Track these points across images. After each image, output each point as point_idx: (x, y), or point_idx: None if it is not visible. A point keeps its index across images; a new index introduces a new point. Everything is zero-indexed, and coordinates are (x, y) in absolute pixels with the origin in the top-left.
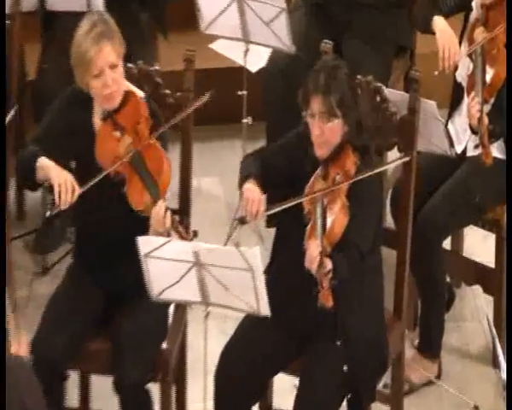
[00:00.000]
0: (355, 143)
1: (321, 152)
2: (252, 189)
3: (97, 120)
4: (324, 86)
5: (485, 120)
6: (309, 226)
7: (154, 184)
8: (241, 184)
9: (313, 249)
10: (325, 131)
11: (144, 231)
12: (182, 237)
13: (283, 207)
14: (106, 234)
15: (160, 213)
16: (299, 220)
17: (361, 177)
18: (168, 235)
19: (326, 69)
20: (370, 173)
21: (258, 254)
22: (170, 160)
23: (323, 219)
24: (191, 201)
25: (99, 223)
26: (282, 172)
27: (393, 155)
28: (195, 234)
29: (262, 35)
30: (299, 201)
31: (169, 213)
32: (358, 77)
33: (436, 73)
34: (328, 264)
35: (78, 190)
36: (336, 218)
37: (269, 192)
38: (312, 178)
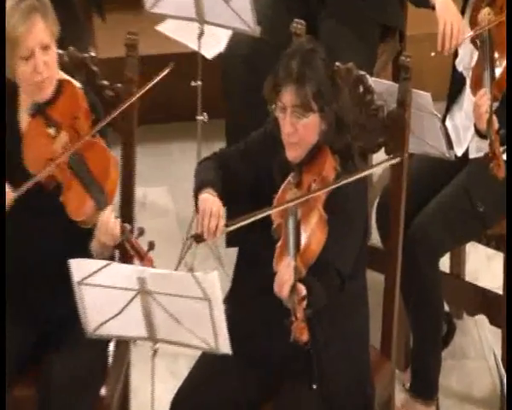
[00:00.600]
0: (334, 143)
1: (293, 155)
2: (209, 200)
3: (24, 116)
4: (298, 74)
5: (495, 124)
6: (279, 244)
7: (99, 190)
8: (196, 194)
9: (284, 272)
10: (298, 129)
11: (83, 250)
12: (136, 250)
13: (248, 221)
14: (35, 256)
15: (108, 222)
16: (267, 237)
17: (341, 183)
18: (119, 248)
19: (299, 54)
20: (352, 179)
21: (216, 280)
22: (117, 158)
23: (297, 235)
24: (134, 215)
25: (27, 242)
26: (245, 180)
27: (380, 157)
28: (151, 246)
29: (220, 14)
30: (267, 213)
31: (119, 221)
32: (337, 64)
33: (433, 54)
34: (303, 289)
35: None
36: (312, 234)
37: (230, 205)
38: (283, 187)
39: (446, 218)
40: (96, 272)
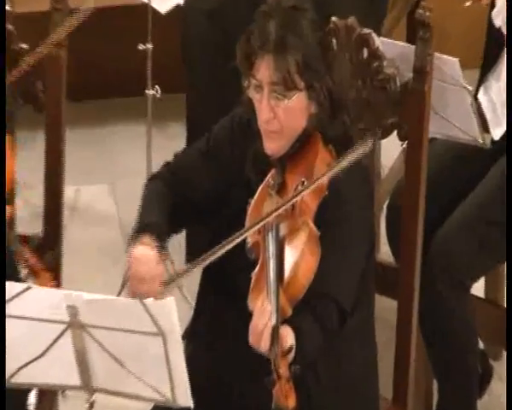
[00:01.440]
0: (328, 130)
1: (273, 147)
2: (139, 259)
3: None
4: (276, 41)
5: None
6: (255, 271)
7: None
8: (132, 242)
9: (261, 316)
10: (279, 114)
11: None
12: (29, 267)
13: (204, 264)
14: None
15: None
16: (240, 257)
17: (330, 174)
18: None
19: (279, 13)
20: (335, 170)
21: (173, 309)
22: (16, 146)
23: (279, 260)
24: (62, 222)
25: None
26: (212, 190)
27: (392, 145)
28: (50, 258)
29: None
30: (236, 242)
31: (14, 233)
32: (333, 19)
33: (468, 3)
34: (288, 338)
35: None
36: (300, 258)
37: (195, 223)
38: (259, 190)
39: (477, 232)
40: (11, 299)
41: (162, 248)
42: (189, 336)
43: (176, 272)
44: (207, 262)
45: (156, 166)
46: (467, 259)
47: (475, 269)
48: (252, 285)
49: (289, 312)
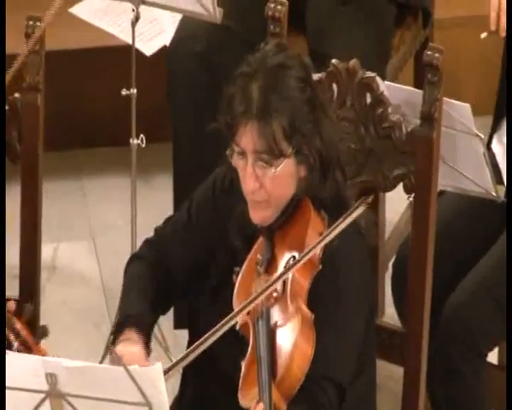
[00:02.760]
0: (319, 194)
1: (259, 217)
2: (126, 357)
3: None
4: (260, 106)
5: None
6: (246, 360)
7: None
8: (115, 336)
9: None
10: (266, 184)
11: None
12: (20, 341)
13: (194, 354)
14: None
15: None
16: (226, 333)
17: (322, 243)
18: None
19: (262, 73)
20: (327, 240)
21: (160, 377)
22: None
23: (271, 352)
24: (39, 282)
25: None
26: (192, 264)
27: (397, 198)
28: (44, 332)
29: None
30: (223, 329)
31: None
32: (333, 62)
33: (484, 35)
34: None
35: None
36: (295, 349)
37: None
38: (246, 265)
39: (493, 296)
40: None
41: (147, 340)
42: (179, 406)
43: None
44: (198, 352)
45: (140, 221)
46: (483, 326)
47: (492, 336)
48: (242, 378)
49: (284, 408)
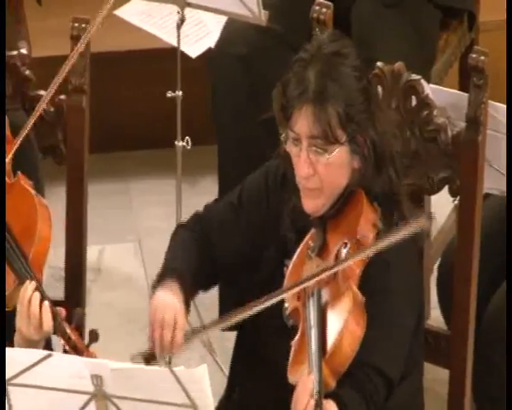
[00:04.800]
0: (372, 186)
1: (312, 205)
2: (162, 303)
3: None
4: (316, 90)
5: None
6: (295, 340)
7: (20, 256)
8: (155, 286)
9: (303, 386)
10: (319, 170)
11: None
12: (71, 346)
13: (227, 323)
14: None
15: (31, 303)
16: (278, 324)
17: (378, 246)
18: (47, 345)
19: (318, 60)
20: (384, 244)
21: (205, 378)
22: (49, 210)
23: (321, 329)
24: (85, 285)
25: None
26: (243, 246)
27: (442, 201)
28: (94, 336)
29: None
30: (271, 302)
31: (46, 303)
32: (378, 64)
33: None
34: None
35: None
36: (345, 327)
37: (223, 280)
38: (298, 252)
39: None
40: (30, 367)
41: (186, 297)
42: (224, 406)
43: (202, 325)
44: (237, 320)
45: None
46: None
47: None
48: (292, 356)
49: (333, 385)
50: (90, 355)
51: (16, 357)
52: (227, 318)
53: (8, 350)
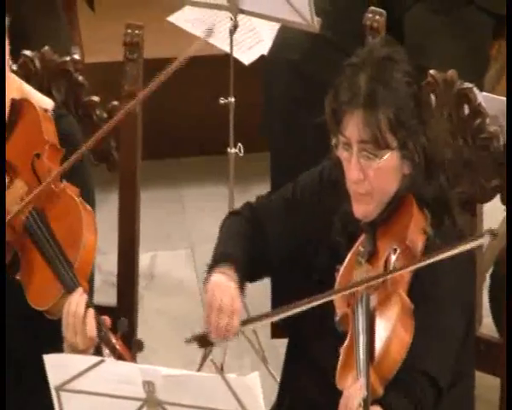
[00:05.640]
0: (423, 193)
1: (363, 210)
2: (219, 287)
3: None
4: (367, 95)
5: None
6: (344, 346)
7: (65, 264)
8: (210, 270)
9: (351, 392)
10: (369, 175)
11: (55, 345)
12: (116, 355)
13: (285, 315)
14: None
15: (76, 312)
16: (329, 330)
17: (433, 259)
18: (97, 353)
19: (370, 64)
20: (442, 256)
21: (257, 385)
22: (94, 217)
23: (369, 335)
24: (137, 291)
25: None
26: (293, 244)
27: (495, 209)
28: (139, 346)
29: (263, 2)
30: (321, 302)
31: (92, 312)
32: (431, 72)
33: None
34: None
35: None
36: (393, 333)
37: (272, 276)
38: (348, 257)
39: None
40: (82, 373)
41: (241, 283)
42: None
43: (257, 315)
44: (289, 313)
45: None
46: None
47: None
48: (340, 362)
49: (380, 391)
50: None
51: (69, 363)
52: (280, 310)
53: (61, 356)
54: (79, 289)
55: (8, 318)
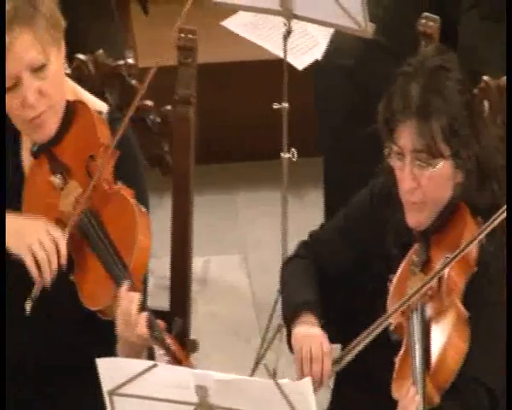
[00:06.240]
0: (476, 202)
1: (416, 219)
2: (307, 338)
3: (26, 155)
4: (420, 104)
5: None
6: (399, 356)
7: (119, 264)
8: (289, 322)
9: (407, 402)
10: (423, 184)
11: (109, 346)
12: (171, 355)
13: (360, 346)
14: (36, 353)
15: (131, 313)
16: (382, 339)
17: (477, 239)
18: (150, 356)
19: (423, 73)
20: (481, 236)
21: (310, 391)
22: (149, 220)
23: (425, 344)
24: (191, 295)
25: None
26: (349, 267)
27: None
28: (194, 346)
29: (316, 6)
30: (382, 326)
31: (146, 314)
32: (485, 78)
33: None
34: None
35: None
36: (449, 342)
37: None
38: (402, 267)
39: None
40: (135, 377)
41: (320, 321)
42: None
43: (344, 350)
44: (369, 339)
45: (291, 238)
46: None
47: None
48: (395, 371)
49: (437, 400)
50: (190, 365)
51: (122, 367)
52: (361, 338)
53: (114, 360)
54: (135, 290)
55: (60, 321)
